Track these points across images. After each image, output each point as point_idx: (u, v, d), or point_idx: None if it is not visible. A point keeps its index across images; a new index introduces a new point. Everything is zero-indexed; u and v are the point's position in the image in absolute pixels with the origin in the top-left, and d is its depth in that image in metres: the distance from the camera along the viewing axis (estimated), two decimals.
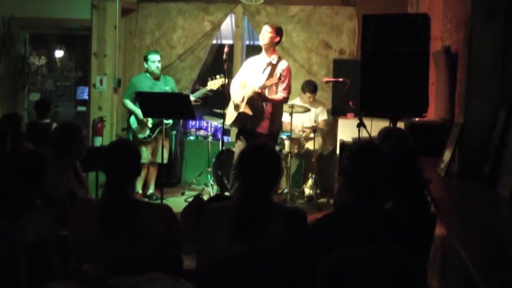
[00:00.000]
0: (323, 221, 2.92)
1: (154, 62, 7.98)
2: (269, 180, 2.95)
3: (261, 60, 6.83)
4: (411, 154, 3.55)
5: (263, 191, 2.92)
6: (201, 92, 7.92)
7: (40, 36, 11.16)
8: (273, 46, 6.80)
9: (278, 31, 6.73)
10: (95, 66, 8.98)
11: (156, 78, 8.04)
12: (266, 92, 6.62)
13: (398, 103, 5.05)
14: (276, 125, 6.93)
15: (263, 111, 6.71)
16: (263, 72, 6.75)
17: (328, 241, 2.76)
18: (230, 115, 6.85)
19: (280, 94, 6.73)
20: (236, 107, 6.71)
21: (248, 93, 6.58)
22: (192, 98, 7.57)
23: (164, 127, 7.32)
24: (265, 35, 6.69)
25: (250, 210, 2.88)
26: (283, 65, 6.75)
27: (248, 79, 6.73)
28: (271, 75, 6.67)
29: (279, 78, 6.50)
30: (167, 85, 8.01)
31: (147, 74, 8.04)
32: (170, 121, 7.89)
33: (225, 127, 7.47)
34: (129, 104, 7.94)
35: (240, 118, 6.70)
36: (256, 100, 6.62)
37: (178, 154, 9.01)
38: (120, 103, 8.98)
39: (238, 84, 6.81)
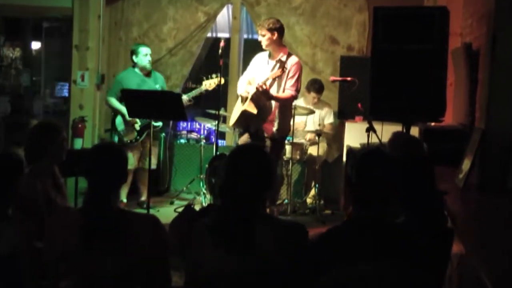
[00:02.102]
0: (326, 236, 2.91)
1: (146, 55, 7.95)
2: (256, 186, 2.85)
3: (270, 57, 6.90)
4: (426, 163, 3.55)
5: (249, 199, 2.83)
6: (195, 91, 7.84)
7: (15, 26, 11.14)
8: (276, 43, 6.82)
9: (273, 29, 6.75)
10: (76, 60, 8.96)
11: (147, 74, 8.01)
12: (274, 90, 6.67)
13: (412, 106, 5.06)
14: (284, 128, 6.94)
15: (268, 112, 6.74)
16: (272, 71, 6.79)
17: (332, 258, 2.75)
18: (234, 114, 6.88)
19: (287, 92, 6.75)
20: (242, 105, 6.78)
21: (253, 90, 6.61)
22: (185, 97, 7.57)
23: (152, 130, 7.34)
24: (262, 41, 6.75)
25: (234, 219, 2.81)
26: (292, 60, 6.80)
27: (257, 76, 6.76)
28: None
29: (283, 70, 6.53)
30: (156, 83, 7.98)
31: (136, 70, 8.01)
32: (159, 123, 7.87)
33: (222, 129, 7.47)
34: (115, 102, 7.90)
35: (243, 118, 6.72)
36: (262, 98, 6.65)
37: (167, 159, 8.99)
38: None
39: (246, 82, 6.86)
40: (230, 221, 2.81)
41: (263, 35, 6.70)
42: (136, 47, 8.07)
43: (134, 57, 7.97)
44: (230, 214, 2.82)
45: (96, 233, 2.96)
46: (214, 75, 7.77)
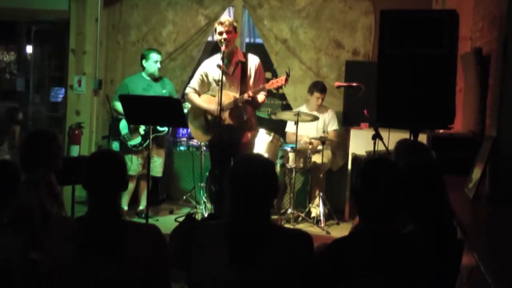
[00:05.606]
0: (332, 247, 2.90)
1: (156, 62, 7.97)
2: (263, 196, 2.87)
3: (227, 60, 6.90)
4: (434, 171, 3.54)
5: (257, 209, 2.85)
6: None
7: (9, 29, 11.15)
8: (234, 44, 6.95)
9: (236, 27, 6.90)
10: (72, 65, 8.95)
11: (155, 79, 8.04)
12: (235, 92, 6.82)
13: (420, 113, 5.05)
14: (256, 132, 7.12)
15: (245, 120, 6.87)
16: (232, 74, 6.85)
17: (337, 271, 2.74)
18: (203, 130, 6.96)
19: (262, 96, 6.85)
20: (211, 119, 6.89)
21: (229, 101, 6.71)
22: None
23: (156, 136, 7.37)
24: (226, 39, 6.69)
25: (241, 232, 2.83)
26: (255, 60, 6.93)
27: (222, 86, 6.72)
28: (244, 74, 6.80)
29: (286, 79, 6.57)
30: (164, 88, 7.98)
31: (143, 74, 8.04)
32: (164, 129, 7.88)
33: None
34: (120, 107, 7.92)
35: (224, 132, 6.74)
36: (238, 108, 6.76)
37: (167, 167, 8.97)
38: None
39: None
40: (239, 232, 2.82)
41: (229, 32, 6.69)
42: (147, 52, 8.06)
43: (143, 62, 7.99)
44: (238, 227, 2.83)
45: (93, 244, 2.95)
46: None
